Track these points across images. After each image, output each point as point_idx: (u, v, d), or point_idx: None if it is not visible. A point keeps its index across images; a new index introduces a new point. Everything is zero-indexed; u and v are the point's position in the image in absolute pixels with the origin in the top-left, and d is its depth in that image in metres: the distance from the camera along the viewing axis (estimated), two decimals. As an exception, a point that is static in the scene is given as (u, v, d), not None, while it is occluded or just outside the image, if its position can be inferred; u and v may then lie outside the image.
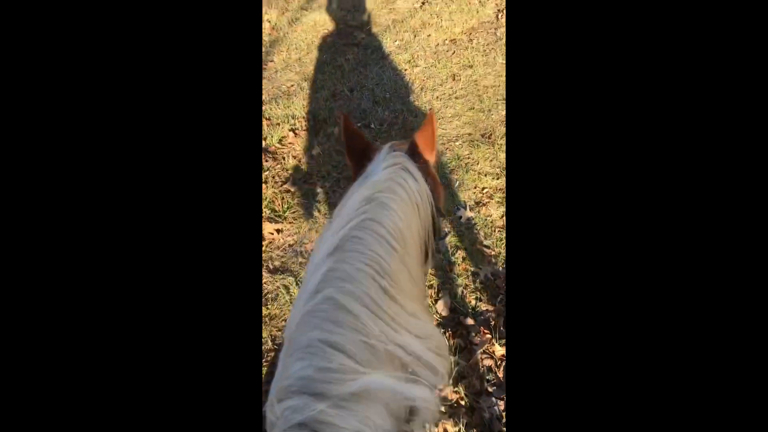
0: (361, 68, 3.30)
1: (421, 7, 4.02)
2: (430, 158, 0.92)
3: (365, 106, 2.96)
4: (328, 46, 3.64)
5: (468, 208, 2.33)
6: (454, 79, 3.11)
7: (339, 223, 0.70)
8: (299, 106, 3.07)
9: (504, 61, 3.18)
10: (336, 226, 0.70)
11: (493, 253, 2.15)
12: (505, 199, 2.32)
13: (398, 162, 0.79)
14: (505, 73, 3.07)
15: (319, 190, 2.45)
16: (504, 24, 3.55)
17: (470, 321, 1.89)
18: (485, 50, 3.32)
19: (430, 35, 3.58)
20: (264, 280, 2.06)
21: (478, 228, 2.25)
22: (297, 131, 2.85)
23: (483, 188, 2.42)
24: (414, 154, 0.88)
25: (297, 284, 2.02)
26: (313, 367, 0.54)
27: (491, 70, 3.14)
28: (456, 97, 2.97)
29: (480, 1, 3.92)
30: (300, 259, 2.12)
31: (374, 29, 3.80)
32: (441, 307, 1.93)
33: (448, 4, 3.98)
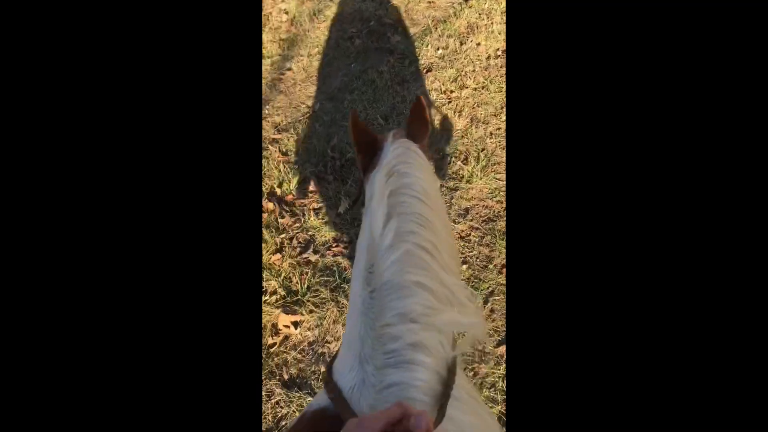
0: (397, 86, 2.76)
1: (466, 2, 3.41)
2: (424, 139, 1.09)
3: (402, 140, 2.45)
4: (357, 52, 3.08)
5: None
6: (510, 109, 2.57)
7: (378, 198, 0.86)
8: (323, 137, 2.55)
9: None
10: (377, 202, 0.86)
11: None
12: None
13: (402, 142, 0.99)
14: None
15: (347, 262, 1.98)
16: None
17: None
18: (547, 68, 2.75)
19: (479, 44, 3.00)
20: (276, 398, 1.63)
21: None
22: (322, 174, 2.33)
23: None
24: (411, 136, 1.06)
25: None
26: (418, 303, 0.73)
27: (555, 97, 2.59)
28: (514, 135, 2.44)
29: (537, -1, 3.29)
30: (321, 368, 1.68)
31: (411, 30, 3.22)
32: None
33: (499, 0, 3.36)
